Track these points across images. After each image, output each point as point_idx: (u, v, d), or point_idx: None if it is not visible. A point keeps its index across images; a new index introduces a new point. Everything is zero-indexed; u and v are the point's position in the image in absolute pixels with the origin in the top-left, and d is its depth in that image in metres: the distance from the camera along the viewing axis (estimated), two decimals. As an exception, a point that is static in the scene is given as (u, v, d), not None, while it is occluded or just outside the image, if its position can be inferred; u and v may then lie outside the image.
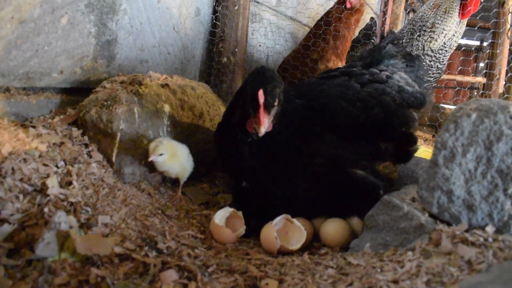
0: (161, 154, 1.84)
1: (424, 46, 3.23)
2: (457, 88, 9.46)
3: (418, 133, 5.56)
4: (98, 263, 1.39)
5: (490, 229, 1.32)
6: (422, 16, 3.34)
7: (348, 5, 2.88)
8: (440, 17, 3.21)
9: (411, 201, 1.53)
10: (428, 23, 3.27)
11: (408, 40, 3.31)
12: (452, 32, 3.18)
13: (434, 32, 3.22)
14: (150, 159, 1.83)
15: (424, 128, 5.58)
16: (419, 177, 1.75)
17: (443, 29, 3.19)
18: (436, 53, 3.21)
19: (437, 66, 3.25)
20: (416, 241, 1.37)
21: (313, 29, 3.02)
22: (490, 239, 1.29)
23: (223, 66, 2.90)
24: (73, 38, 2.05)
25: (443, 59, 3.25)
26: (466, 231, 1.34)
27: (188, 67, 2.85)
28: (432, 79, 3.34)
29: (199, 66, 2.96)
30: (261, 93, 1.58)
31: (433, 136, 5.48)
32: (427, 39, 3.25)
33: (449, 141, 1.38)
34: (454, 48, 3.25)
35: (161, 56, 2.59)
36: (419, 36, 3.29)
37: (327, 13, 2.98)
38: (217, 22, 2.91)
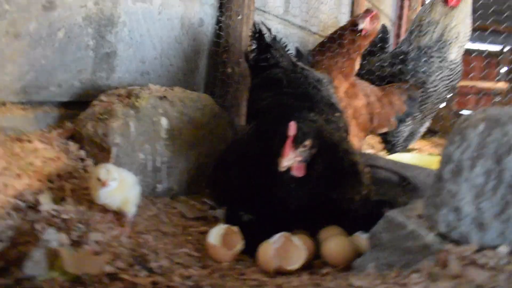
0: (114, 179, 1.55)
1: (418, 43, 3.14)
2: (469, 95, 9.20)
3: (435, 141, 5.39)
4: (88, 282, 1.34)
5: (503, 249, 1.22)
6: (416, 16, 3.29)
7: (364, 32, 2.80)
8: (428, 10, 3.14)
9: (418, 218, 1.43)
10: (416, 19, 3.20)
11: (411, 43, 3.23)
12: (441, 23, 3.07)
13: (421, 26, 3.14)
14: (109, 186, 1.53)
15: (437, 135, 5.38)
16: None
17: (429, 22, 3.10)
18: (439, 51, 3.09)
19: (448, 66, 3.13)
20: (422, 262, 1.28)
21: (322, 48, 2.94)
22: (503, 261, 1.18)
23: (228, 77, 2.85)
24: (71, 52, 2.03)
25: (448, 56, 3.11)
26: (477, 251, 1.23)
27: (192, 78, 2.80)
28: (447, 81, 3.22)
29: (203, 77, 2.92)
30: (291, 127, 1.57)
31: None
32: (417, 34, 3.17)
33: (455, 154, 1.29)
34: (460, 42, 3.11)
35: (163, 68, 2.56)
36: (411, 35, 3.21)
37: (340, 35, 2.88)
38: (221, 33, 2.86)
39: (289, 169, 1.63)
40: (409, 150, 4.11)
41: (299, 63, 2.37)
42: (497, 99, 8.86)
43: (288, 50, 2.56)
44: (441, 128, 5.14)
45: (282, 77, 2.16)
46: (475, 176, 1.26)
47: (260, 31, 2.41)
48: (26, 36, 1.83)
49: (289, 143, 1.56)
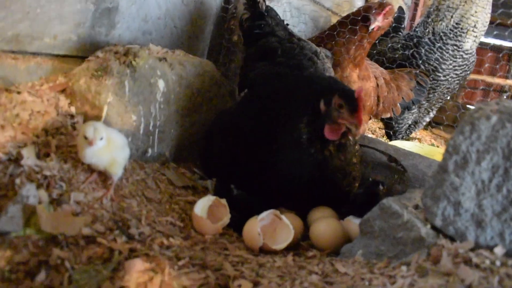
0: (101, 138, 1.49)
1: (433, 28, 3.00)
2: (481, 88, 9.00)
3: (437, 132, 5.28)
4: (63, 243, 1.29)
5: (499, 250, 1.15)
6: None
7: (376, 29, 2.64)
8: None
9: (414, 209, 1.37)
10: (435, 2, 3.06)
11: (426, 28, 3.09)
12: (461, 9, 2.93)
13: (439, 10, 3.01)
14: (95, 145, 1.47)
15: (441, 127, 5.26)
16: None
17: (448, 6, 2.96)
18: (455, 39, 2.96)
19: (462, 55, 3.01)
20: (413, 255, 1.22)
21: (334, 34, 2.78)
22: (498, 263, 1.12)
23: (234, 44, 2.75)
24: (69, 3, 1.92)
25: (462, 44, 2.99)
26: (472, 250, 1.17)
27: (196, 43, 2.70)
28: (459, 71, 3.09)
29: (208, 43, 2.81)
30: (362, 94, 1.53)
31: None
32: (434, 18, 3.03)
33: (463, 145, 1.21)
34: (477, 32, 2.97)
35: (167, 30, 2.45)
36: (428, 18, 3.08)
37: (353, 21, 2.72)
38: (231, -2, 2.75)
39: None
40: (409, 139, 4.03)
41: (296, 34, 2.27)
42: (505, 96, 8.69)
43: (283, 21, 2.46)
44: (446, 120, 5.03)
45: (277, 46, 2.08)
46: (481, 170, 1.18)
47: None
48: (21, -19, 1.72)
49: (362, 110, 1.53)
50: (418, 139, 4.78)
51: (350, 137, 1.64)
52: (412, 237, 1.25)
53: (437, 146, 4.55)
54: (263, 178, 1.69)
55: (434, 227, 1.25)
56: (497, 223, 1.17)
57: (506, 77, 9.25)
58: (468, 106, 6.71)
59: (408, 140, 3.96)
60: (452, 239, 1.22)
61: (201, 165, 2.08)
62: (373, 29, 2.59)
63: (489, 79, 6.97)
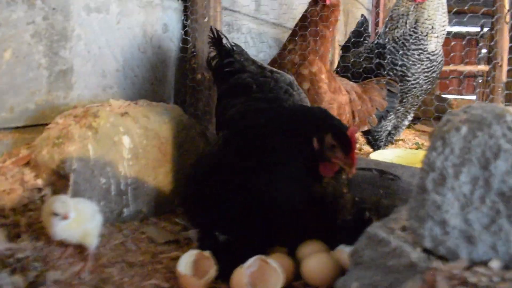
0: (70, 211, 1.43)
1: (393, 36, 3.05)
2: (451, 77, 9.11)
3: (418, 128, 5.28)
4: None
5: (495, 264, 1.10)
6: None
7: (328, 2, 2.63)
8: (397, 2, 3.11)
9: (402, 231, 1.32)
10: (390, 11, 3.15)
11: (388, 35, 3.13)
12: (412, 15, 2.97)
13: (393, 19, 3.07)
14: (66, 221, 1.41)
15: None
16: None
17: (398, 14, 3.02)
18: (417, 44, 2.99)
19: (428, 58, 3.02)
20: (407, 283, 1.16)
21: (290, 36, 2.78)
22: (496, 278, 1.07)
23: (198, 83, 2.71)
24: (21, 73, 1.88)
25: (426, 47, 3.01)
26: (467, 268, 1.12)
27: (160, 88, 2.66)
28: (428, 73, 3.10)
29: (173, 85, 2.77)
30: (355, 134, 1.51)
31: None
32: (391, 27, 3.09)
33: (437, 161, 1.17)
34: (437, 32, 3.00)
35: (127, 80, 2.41)
36: (386, 27, 3.13)
37: (303, 18, 2.74)
38: (187, 38, 2.72)
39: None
40: (393, 143, 4.01)
41: (267, 66, 2.24)
42: (479, 80, 8.83)
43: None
44: (423, 113, 5.01)
45: (250, 81, 2.02)
46: (460, 184, 1.14)
47: (218, 36, 2.27)
48: (-34, 60, 1.67)
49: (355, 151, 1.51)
50: (402, 140, 4.77)
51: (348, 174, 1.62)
52: (404, 263, 1.20)
53: (422, 144, 4.54)
54: (249, 218, 1.63)
55: (424, 250, 1.20)
56: (487, 236, 1.12)
57: (477, 62, 9.43)
58: (444, 96, 6.77)
59: (392, 143, 3.94)
60: (444, 259, 1.16)
61: (186, 212, 2.00)
62: (323, 4, 2.60)
63: (460, 68, 7.04)
